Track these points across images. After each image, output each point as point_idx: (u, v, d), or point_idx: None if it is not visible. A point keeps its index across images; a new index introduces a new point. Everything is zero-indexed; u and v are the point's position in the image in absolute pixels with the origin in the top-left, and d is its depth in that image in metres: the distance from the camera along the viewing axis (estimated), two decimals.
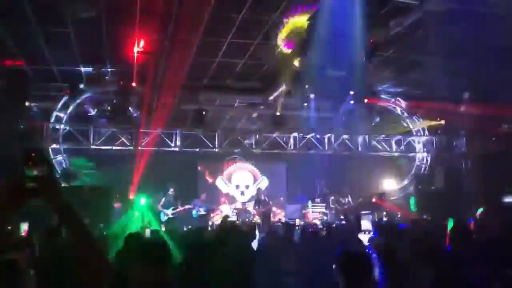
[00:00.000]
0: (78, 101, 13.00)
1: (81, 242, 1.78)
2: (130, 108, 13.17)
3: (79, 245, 1.77)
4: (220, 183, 17.26)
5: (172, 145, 14.34)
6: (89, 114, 13.22)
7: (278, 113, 14.20)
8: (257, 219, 13.59)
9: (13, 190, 1.72)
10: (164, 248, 2.62)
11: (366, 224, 4.76)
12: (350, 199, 14.59)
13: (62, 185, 12.50)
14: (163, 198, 13.28)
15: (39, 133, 12.62)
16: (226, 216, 10.43)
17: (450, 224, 4.35)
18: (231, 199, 17.20)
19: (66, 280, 3.07)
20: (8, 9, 9.01)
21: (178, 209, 13.23)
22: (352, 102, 13.71)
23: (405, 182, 15.98)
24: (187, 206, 13.49)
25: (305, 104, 13.67)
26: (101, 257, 1.82)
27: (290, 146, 15.52)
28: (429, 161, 15.87)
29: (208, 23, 9.66)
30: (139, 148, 13.61)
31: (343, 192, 14.95)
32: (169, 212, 13.13)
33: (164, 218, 13.11)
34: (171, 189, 13.36)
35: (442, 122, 15.47)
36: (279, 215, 15.99)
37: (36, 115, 12.87)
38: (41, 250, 5.04)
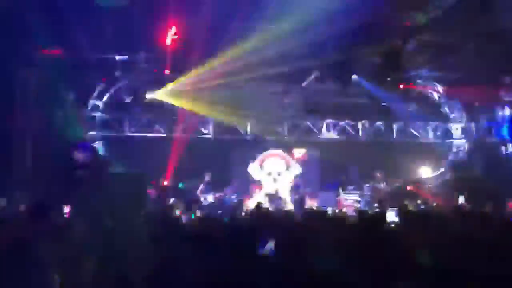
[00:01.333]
0: (113, 89, 13.20)
1: (124, 234, 1.76)
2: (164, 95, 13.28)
3: (121, 236, 1.75)
4: (252, 170, 17.24)
5: (206, 132, 14.42)
6: (124, 102, 13.40)
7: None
8: (290, 206, 13.55)
9: (64, 181, 1.73)
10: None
11: (391, 216, 4.42)
12: (385, 184, 14.31)
13: None
14: (201, 185, 13.44)
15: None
16: (259, 203, 10.41)
17: None
18: (263, 186, 17.18)
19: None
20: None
21: (217, 195, 13.36)
22: (387, 88, 13.40)
23: (442, 169, 15.58)
24: (223, 193, 13.62)
25: (339, 89, 13.45)
26: (141, 250, 1.80)
27: (323, 133, 15.34)
28: (467, 147, 15.42)
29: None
30: (173, 135, 13.74)
31: (376, 178, 14.67)
32: (210, 197, 13.28)
33: (205, 203, 13.31)
34: (207, 176, 13.52)
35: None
36: (312, 202, 15.87)
37: (74, 103, 13.13)
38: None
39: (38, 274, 2.30)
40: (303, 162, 17.20)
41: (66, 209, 6.44)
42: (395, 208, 4.35)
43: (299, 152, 16.99)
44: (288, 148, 16.72)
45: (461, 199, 9.58)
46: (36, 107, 11.85)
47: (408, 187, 14.57)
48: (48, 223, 3.98)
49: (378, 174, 14.46)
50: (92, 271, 3.33)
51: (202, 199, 13.36)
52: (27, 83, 11.75)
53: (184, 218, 8.38)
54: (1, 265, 2.42)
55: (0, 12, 8.99)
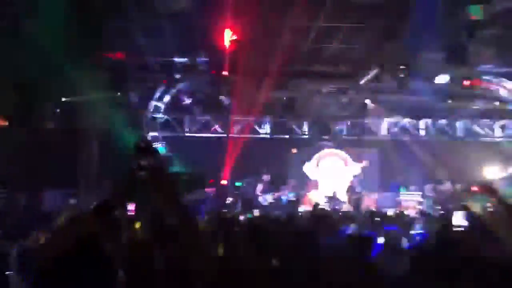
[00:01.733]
0: (174, 90, 13.60)
1: (187, 232, 1.80)
2: (222, 96, 13.53)
3: (184, 235, 1.79)
4: (308, 169, 17.12)
5: (262, 132, 14.52)
6: (184, 103, 13.76)
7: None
8: (347, 207, 13.34)
9: (128, 181, 1.79)
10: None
11: (459, 219, 4.10)
12: (449, 186, 13.75)
13: None
14: (260, 184, 13.57)
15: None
16: (317, 204, 10.36)
17: None
18: (320, 186, 17.01)
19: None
20: (108, 6, 9.57)
21: (277, 194, 13.45)
22: (451, 84, 12.85)
23: (510, 170, 14.77)
24: (283, 192, 13.70)
25: (400, 88, 13.07)
26: (203, 249, 1.83)
27: (382, 132, 14.98)
28: None
29: (298, 6, 9.53)
30: (231, 135, 13.95)
31: (439, 178, 14.14)
32: (269, 197, 13.41)
33: (264, 202, 13.47)
34: (265, 176, 13.63)
35: None
36: (371, 203, 15.53)
37: (136, 104, 13.65)
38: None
39: (105, 271, 2.41)
40: (363, 162, 16.91)
41: (131, 207, 6.67)
42: (463, 211, 4.07)
43: (358, 152, 16.73)
44: (346, 148, 16.51)
45: None
46: (100, 108, 12.39)
47: (474, 188, 13.90)
48: (113, 221, 4.23)
49: (442, 174, 13.93)
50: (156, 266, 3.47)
51: (261, 198, 13.49)
52: (93, 85, 12.28)
53: (241, 218, 8.49)
54: (71, 262, 2.56)
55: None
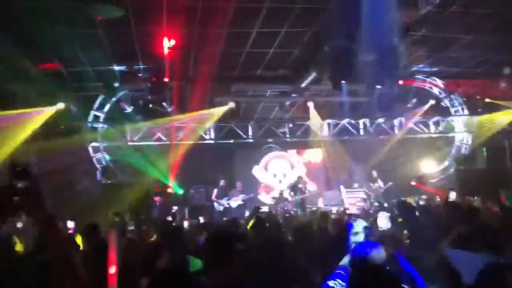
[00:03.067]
0: (114, 99, 13.34)
1: (60, 257, 1.78)
2: (164, 103, 13.41)
3: (57, 260, 1.77)
4: (256, 172, 17.30)
5: (207, 137, 14.50)
6: (125, 112, 13.52)
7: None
8: (293, 207, 13.57)
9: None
10: None
11: (383, 221, 4.09)
12: (380, 184, 14.31)
13: (103, 182, 12.93)
14: (215, 190, 13.56)
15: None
16: (257, 208, 10.47)
17: None
18: (269, 188, 17.23)
19: None
20: (39, 14, 9.28)
21: (232, 199, 13.55)
22: (386, 85, 13.38)
23: (445, 163, 15.55)
24: (237, 196, 13.73)
25: (337, 89, 13.47)
26: (78, 274, 1.82)
27: (325, 133, 15.37)
28: (469, 141, 15.37)
29: (234, 13, 9.64)
30: (174, 142, 13.84)
31: (371, 177, 14.69)
32: (224, 202, 13.49)
33: (219, 208, 13.48)
34: (222, 181, 13.65)
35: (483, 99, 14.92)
36: (318, 202, 15.88)
37: (75, 115, 13.28)
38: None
39: None
40: (307, 163, 17.28)
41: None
42: (387, 213, 4.12)
43: (304, 153, 17.08)
44: (292, 150, 16.81)
45: (452, 195, 9.54)
46: None
47: (413, 183, 14.55)
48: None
49: (373, 173, 14.48)
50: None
51: (216, 204, 13.49)
52: (26, 98, 11.86)
53: (186, 225, 8.47)
54: None
55: None
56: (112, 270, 3.25)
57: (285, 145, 16.52)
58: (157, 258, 3.86)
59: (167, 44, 10.87)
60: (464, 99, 15.34)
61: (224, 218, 11.61)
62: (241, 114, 14.82)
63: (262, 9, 9.76)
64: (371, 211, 11.25)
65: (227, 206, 13.59)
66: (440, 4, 9.49)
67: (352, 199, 14.65)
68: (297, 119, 15.41)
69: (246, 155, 16.81)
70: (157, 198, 13.05)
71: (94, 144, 13.54)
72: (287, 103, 15.24)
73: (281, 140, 15.64)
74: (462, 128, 15.57)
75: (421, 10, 9.81)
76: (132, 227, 7.08)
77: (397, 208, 7.65)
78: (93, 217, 9.64)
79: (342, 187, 15.25)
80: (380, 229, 3.80)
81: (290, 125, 15.35)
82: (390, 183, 14.02)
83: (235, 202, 13.87)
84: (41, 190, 1.84)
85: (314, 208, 13.12)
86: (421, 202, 10.83)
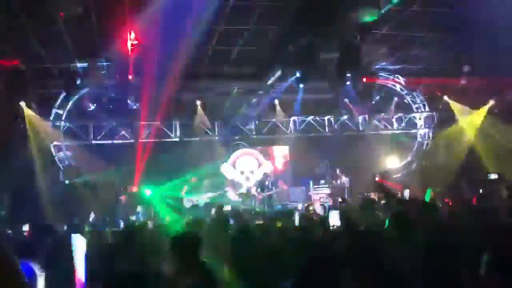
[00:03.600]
0: (76, 97, 13.06)
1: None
2: (128, 101, 13.22)
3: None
4: (224, 169, 17.27)
5: (172, 135, 14.38)
6: (88, 109, 13.25)
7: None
8: (260, 204, 13.64)
9: None
10: None
11: (334, 219, 4.08)
12: (344, 180, 14.56)
13: (66, 182, 12.67)
14: (186, 186, 13.43)
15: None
16: (220, 206, 10.45)
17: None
18: (237, 185, 17.23)
19: None
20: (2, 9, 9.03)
21: (201, 196, 13.50)
22: (349, 82, 13.60)
23: (408, 159, 15.94)
24: (204, 193, 13.66)
25: (300, 86, 13.61)
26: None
27: (291, 130, 15.49)
28: (431, 137, 15.80)
29: (199, 11, 9.60)
30: (140, 140, 13.67)
31: (336, 174, 14.94)
32: (193, 199, 13.38)
33: (188, 205, 13.32)
34: (194, 178, 13.54)
35: (444, 97, 15.34)
36: (284, 198, 15.99)
37: (36, 113, 12.94)
38: None
39: None
40: (274, 160, 17.36)
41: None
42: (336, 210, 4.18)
43: (271, 150, 17.16)
44: (259, 147, 16.86)
45: (406, 192, 9.81)
46: None
47: (376, 178, 14.82)
48: None
49: (337, 170, 14.73)
50: None
51: (185, 201, 13.36)
52: None
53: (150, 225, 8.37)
54: None
55: None
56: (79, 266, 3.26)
57: (252, 143, 16.55)
58: (115, 260, 3.82)
59: (131, 40, 10.71)
60: (425, 96, 15.73)
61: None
62: (208, 112, 14.75)
63: (227, 7, 9.77)
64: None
65: (197, 203, 13.48)
66: (401, 3, 9.72)
67: (317, 195, 14.82)
68: (263, 116, 15.47)
69: (213, 152, 16.75)
70: (122, 197, 12.88)
71: (56, 143, 13.22)
72: (254, 100, 15.28)
73: (247, 137, 15.66)
74: (424, 124, 15.97)
75: (382, 8, 10.02)
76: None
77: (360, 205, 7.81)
78: (55, 218, 9.49)
79: (310, 182, 15.40)
80: (332, 227, 3.87)
81: (257, 122, 15.39)
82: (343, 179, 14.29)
83: (202, 199, 13.82)
84: None
85: (279, 206, 13.22)
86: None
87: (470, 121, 14.77)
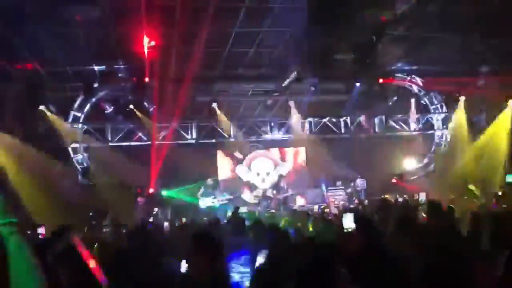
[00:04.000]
0: (93, 99, 13.24)
1: None
2: (145, 103, 13.35)
3: None
4: (240, 171, 17.29)
5: (188, 137, 14.47)
6: (105, 112, 13.41)
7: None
8: (276, 206, 13.62)
9: None
10: None
11: (349, 221, 3.85)
12: (359, 182, 14.48)
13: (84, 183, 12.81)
14: (202, 188, 13.50)
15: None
16: (237, 208, 10.46)
17: None
18: (252, 187, 17.23)
19: None
20: (18, 13, 9.19)
21: (217, 198, 13.48)
22: (365, 83, 13.51)
23: (425, 160, 15.75)
24: (223, 195, 13.68)
25: (314, 88, 13.57)
26: None
27: (306, 131, 15.43)
28: (448, 138, 15.58)
29: (214, 13, 9.65)
30: (156, 142, 13.77)
31: (352, 175, 14.85)
32: (209, 201, 13.41)
33: (203, 206, 13.37)
34: (209, 180, 13.60)
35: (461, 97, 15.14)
36: (301, 201, 15.95)
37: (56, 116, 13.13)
38: None
39: None
40: (290, 161, 17.32)
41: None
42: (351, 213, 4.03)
43: (287, 151, 17.13)
44: (275, 148, 16.84)
45: (423, 195, 9.66)
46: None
47: (394, 180, 14.71)
48: None
49: (354, 171, 14.68)
50: None
51: (201, 202, 13.40)
52: (3, 99, 11.74)
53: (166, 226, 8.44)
54: None
55: None
56: (92, 264, 3.28)
57: (267, 144, 16.54)
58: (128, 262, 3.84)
59: (147, 43, 10.83)
60: (443, 96, 15.54)
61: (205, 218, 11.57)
62: (223, 113, 14.81)
63: (241, 9, 9.81)
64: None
65: (211, 204, 13.51)
66: (417, 3, 9.63)
67: (334, 197, 14.73)
68: (279, 117, 15.46)
69: (229, 154, 16.80)
70: (139, 199, 12.98)
71: (74, 145, 13.41)
72: (269, 102, 15.27)
73: (263, 138, 15.66)
74: (441, 125, 15.76)
75: (399, 8, 9.95)
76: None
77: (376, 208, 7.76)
78: (72, 219, 9.60)
79: (323, 185, 15.32)
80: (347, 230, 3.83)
81: (272, 123, 15.38)
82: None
83: (219, 201, 13.85)
84: None
85: (295, 207, 13.19)
86: (400, 200, 10.97)
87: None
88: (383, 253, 3.27)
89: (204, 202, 13.43)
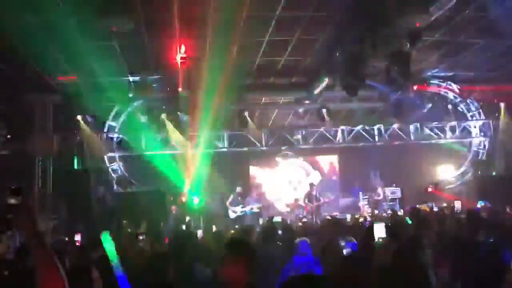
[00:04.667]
0: (129, 109, 13.53)
1: (45, 271, 1.88)
2: (178, 113, 13.54)
3: (42, 273, 1.88)
4: (271, 179, 17.30)
5: (221, 145, 14.58)
6: (140, 122, 13.68)
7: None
8: (308, 215, 13.53)
9: None
10: None
11: (380, 231, 3.60)
12: (381, 191, 14.23)
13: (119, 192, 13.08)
14: (231, 196, 13.60)
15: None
16: (271, 217, 10.43)
17: None
18: (285, 196, 17.19)
19: None
20: (55, 27, 9.50)
21: (246, 207, 13.51)
22: (400, 90, 13.27)
23: (463, 169, 15.32)
24: (252, 204, 13.72)
25: (351, 95, 13.40)
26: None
27: (339, 139, 15.28)
28: (487, 145, 15.12)
29: (245, 24, 9.71)
30: (189, 151, 13.94)
31: (375, 187, 14.62)
32: (238, 209, 13.44)
33: (233, 215, 13.44)
34: (239, 188, 13.68)
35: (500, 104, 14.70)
36: (333, 209, 15.80)
37: (92, 125, 13.49)
38: None
39: None
40: (323, 170, 17.23)
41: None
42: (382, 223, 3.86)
43: (319, 160, 17.05)
44: (307, 157, 16.78)
45: (458, 204, 9.34)
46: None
47: (429, 189, 14.38)
48: None
49: (375, 181, 14.46)
50: None
51: (230, 211, 13.49)
52: (45, 109, 12.16)
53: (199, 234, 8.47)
54: None
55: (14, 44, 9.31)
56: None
57: (300, 152, 16.48)
58: (163, 268, 3.89)
59: (180, 54, 11.00)
60: (480, 103, 15.11)
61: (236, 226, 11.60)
62: (255, 122, 14.86)
63: (272, 18, 9.84)
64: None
65: (241, 214, 13.56)
66: (453, 8, 9.42)
67: (367, 206, 14.54)
68: (310, 125, 15.38)
69: (261, 162, 16.85)
70: (173, 208, 13.13)
71: (109, 154, 13.73)
72: (301, 110, 15.24)
73: (295, 147, 15.60)
74: (479, 132, 15.31)
75: (433, 14, 9.75)
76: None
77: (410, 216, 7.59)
78: (107, 227, 9.80)
79: (360, 193, 15.14)
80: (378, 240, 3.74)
81: (303, 132, 15.31)
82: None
83: (250, 209, 13.86)
84: (32, 207, 1.98)
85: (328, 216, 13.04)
86: (435, 209, 10.69)
87: None
88: (414, 262, 3.21)
89: (233, 211, 13.50)
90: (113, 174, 13.68)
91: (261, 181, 17.07)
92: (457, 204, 8.98)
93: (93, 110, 13.36)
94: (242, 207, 13.57)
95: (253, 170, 17.18)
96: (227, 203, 13.59)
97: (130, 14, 9.07)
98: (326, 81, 12.79)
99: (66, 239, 7.69)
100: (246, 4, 9.03)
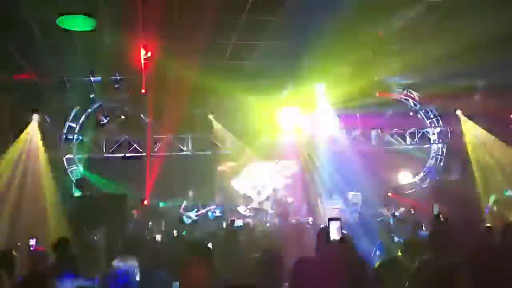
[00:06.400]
0: (89, 110, 13.17)
1: None
2: (141, 115, 13.29)
3: None
4: (236, 183, 17.19)
5: (184, 149, 14.40)
6: (101, 123, 13.34)
7: None
8: (274, 218, 13.53)
9: None
10: None
11: (334, 232, 3.46)
12: (352, 196, 14.47)
13: (77, 194, 12.69)
14: (184, 202, 13.38)
15: None
16: (232, 221, 10.38)
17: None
18: (248, 199, 17.12)
19: None
20: (13, 23, 9.16)
21: (200, 211, 13.33)
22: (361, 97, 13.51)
23: (421, 174, 15.74)
24: (208, 208, 13.56)
25: None
26: None
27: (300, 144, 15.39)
28: (444, 152, 15.60)
29: (211, 26, 9.64)
30: (151, 154, 13.70)
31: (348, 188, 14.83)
32: (192, 214, 13.24)
33: (188, 221, 13.24)
34: (190, 192, 13.47)
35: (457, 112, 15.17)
36: (297, 214, 15.85)
37: (50, 126, 13.06)
38: None
39: None
40: (286, 174, 17.25)
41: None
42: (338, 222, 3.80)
43: (282, 164, 17.06)
44: (272, 161, 16.77)
45: (436, 208, 9.57)
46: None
47: (389, 193, 14.67)
48: None
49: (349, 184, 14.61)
50: None
51: (184, 217, 13.30)
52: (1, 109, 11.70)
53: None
54: None
55: None
56: None
57: (264, 156, 16.46)
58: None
59: (144, 55, 10.80)
60: (438, 111, 15.57)
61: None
62: (220, 125, 14.73)
63: (239, 22, 9.80)
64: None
65: (196, 218, 13.40)
66: (414, 17, 9.67)
67: (333, 210, 14.65)
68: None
69: (225, 166, 16.71)
70: (135, 211, 12.86)
71: (68, 156, 13.31)
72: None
73: (260, 151, 15.59)
74: (437, 139, 15.78)
75: (395, 23, 10.00)
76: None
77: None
78: (66, 231, 9.50)
79: (319, 198, 15.24)
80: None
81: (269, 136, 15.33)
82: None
83: (211, 213, 13.74)
84: None
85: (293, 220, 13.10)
86: (397, 214, 10.92)
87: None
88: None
89: (187, 216, 13.32)
90: (72, 177, 13.26)
91: (225, 185, 16.93)
92: (435, 208, 9.09)
93: (52, 110, 12.98)
94: (196, 211, 13.40)
95: (219, 173, 17.01)
96: (181, 209, 13.41)
97: (93, 14, 8.87)
98: (292, 85, 12.89)
99: (19, 244, 7.39)
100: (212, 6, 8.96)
